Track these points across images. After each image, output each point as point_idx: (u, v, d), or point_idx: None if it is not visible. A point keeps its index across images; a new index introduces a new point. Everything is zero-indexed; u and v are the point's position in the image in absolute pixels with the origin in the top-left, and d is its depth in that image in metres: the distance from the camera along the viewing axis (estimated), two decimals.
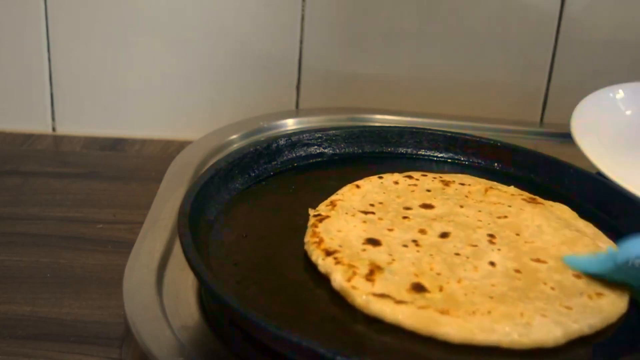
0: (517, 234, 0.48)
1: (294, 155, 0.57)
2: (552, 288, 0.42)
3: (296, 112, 0.79)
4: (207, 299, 0.43)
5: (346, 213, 0.48)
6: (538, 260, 0.45)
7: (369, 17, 0.78)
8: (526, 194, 0.54)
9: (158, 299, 0.43)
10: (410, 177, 0.55)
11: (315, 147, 0.59)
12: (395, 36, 0.79)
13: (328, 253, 0.43)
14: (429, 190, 0.53)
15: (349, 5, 0.78)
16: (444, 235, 0.47)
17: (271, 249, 0.46)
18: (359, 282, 0.41)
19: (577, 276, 0.44)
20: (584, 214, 0.51)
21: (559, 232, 0.48)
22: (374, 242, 0.45)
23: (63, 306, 0.50)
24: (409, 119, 0.74)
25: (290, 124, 0.73)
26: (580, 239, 0.48)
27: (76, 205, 0.64)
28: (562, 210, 0.52)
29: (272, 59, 0.80)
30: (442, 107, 0.80)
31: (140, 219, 0.53)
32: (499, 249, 0.46)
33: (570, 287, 0.42)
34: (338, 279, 0.41)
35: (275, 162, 0.56)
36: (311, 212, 0.49)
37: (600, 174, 0.57)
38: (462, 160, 0.60)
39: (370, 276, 0.41)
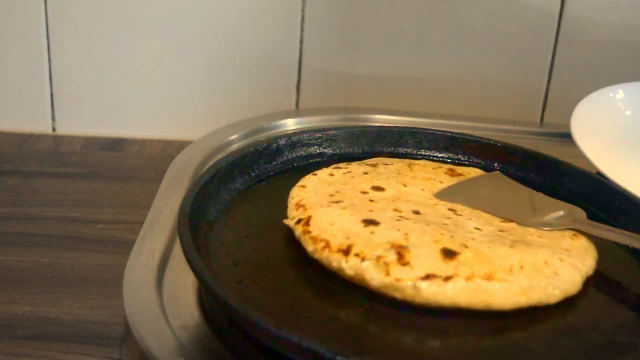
0: None
1: (294, 155, 0.57)
2: (540, 237, 0.44)
3: (296, 112, 0.79)
4: (207, 299, 0.43)
5: (321, 207, 0.46)
6: (506, 220, 0.47)
7: (369, 17, 0.78)
8: (445, 166, 0.55)
9: (158, 299, 0.43)
10: (339, 167, 0.53)
11: (315, 147, 0.59)
12: (395, 36, 0.79)
13: (346, 252, 0.41)
14: (366, 173, 0.52)
15: (349, 5, 0.78)
16: (416, 212, 0.46)
17: (271, 249, 0.46)
18: (397, 271, 0.39)
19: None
20: None
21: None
22: (372, 222, 0.44)
23: (63, 306, 0.50)
24: (409, 119, 0.74)
25: (290, 124, 0.73)
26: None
27: (76, 205, 0.64)
28: (477, 172, 0.55)
29: (272, 59, 0.80)
30: (442, 107, 0.80)
31: (140, 219, 0.53)
32: (469, 219, 0.46)
33: (549, 234, 0.45)
34: (376, 276, 0.39)
35: (275, 162, 0.56)
36: (288, 222, 0.46)
37: (600, 174, 0.57)
38: (462, 160, 0.60)
39: (402, 260, 0.40)
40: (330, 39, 0.79)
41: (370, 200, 0.48)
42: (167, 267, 0.47)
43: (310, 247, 0.43)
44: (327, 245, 0.42)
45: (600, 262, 0.44)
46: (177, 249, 0.48)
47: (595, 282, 0.43)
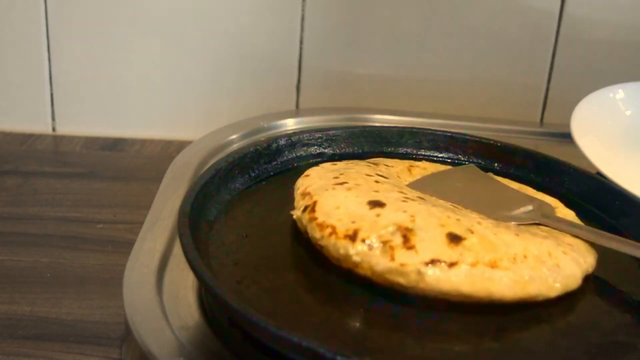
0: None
1: (294, 155, 0.57)
2: (543, 230, 0.44)
3: (296, 112, 0.79)
4: (207, 299, 0.43)
5: (326, 190, 0.45)
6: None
7: (369, 18, 0.78)
8: (445, 167, 0.55)
9: (158, 299, 0.43)
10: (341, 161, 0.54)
11: (315, 147, 0.59)
12: (395, 36, 0.79)
13: (352, 238, 0.41)
14: (368, 166, 0.52)
15: (349, 6, 0.78)
16: (421, 197, 0.46)
17: (271, 249, 0.46)
18: (402, 255, 0.39)
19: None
20: (584, 214, 0.51)
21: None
22: (378, 204, 0.43)
23: (63, 306, 0.50)
24: (409, 119, 0.74)
25: (290, 124, 0.73)
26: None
27: (76, 205, 0.64)
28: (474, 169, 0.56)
29: (272, 59, 0.80)
30: (442, 107, 0.80)
31: (140, 219, 0.53)
32: (471, 212, 0.46)
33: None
34: (381, 262, 0.39)
35: (275, 162, 0.56)
36: (295, 212, 0.46)
37: (600, 174, 0.57)
38: (462, 161, 0.60)
39: (407, 243, 0.40)
40: (330, 39, 0.79)
41: (376, 182, 0.47)
42: (167, 267, 0.47)
43: (317, 234, 0.42)
44: (334, 231, 0.42)
45: (600, 262, 0.44)
46: (177, 249, 0.48)
47: (595, 282, 0.43)
